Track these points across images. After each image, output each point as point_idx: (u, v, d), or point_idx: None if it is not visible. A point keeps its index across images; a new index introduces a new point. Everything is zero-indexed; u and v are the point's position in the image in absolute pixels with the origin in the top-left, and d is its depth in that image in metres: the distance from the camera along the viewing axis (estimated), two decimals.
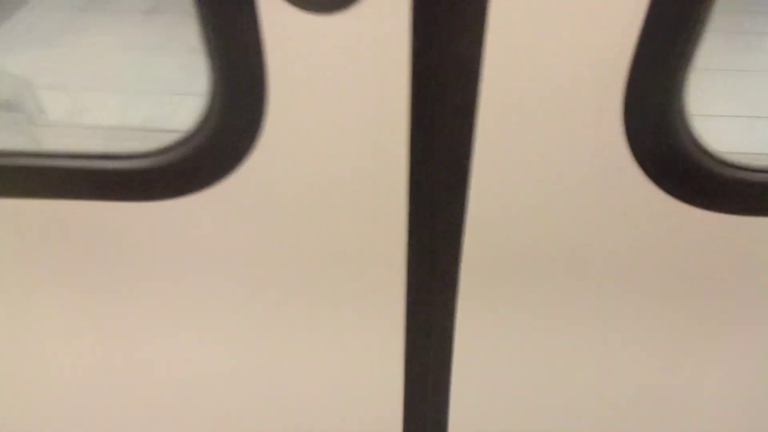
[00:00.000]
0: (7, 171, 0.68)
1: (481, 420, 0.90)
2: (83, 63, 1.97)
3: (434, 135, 0.63)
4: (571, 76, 0.59)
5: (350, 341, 0.82)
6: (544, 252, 0.73)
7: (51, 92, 1.75)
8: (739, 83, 1.76)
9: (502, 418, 0.90)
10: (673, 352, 0.82)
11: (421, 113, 0.62)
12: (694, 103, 0.62)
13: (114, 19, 2.19)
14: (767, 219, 0.69)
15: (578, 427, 0.91)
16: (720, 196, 0.67)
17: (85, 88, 1.81)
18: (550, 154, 0.65)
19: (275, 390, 0.89)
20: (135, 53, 2.01)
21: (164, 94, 1.79)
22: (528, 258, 0.73)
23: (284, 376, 0.87)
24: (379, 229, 0.71)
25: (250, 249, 0.74)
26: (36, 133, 1.61)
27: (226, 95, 0.62)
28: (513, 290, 0.76)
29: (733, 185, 0.66)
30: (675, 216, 0.68)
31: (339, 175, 0.67)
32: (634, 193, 0.66)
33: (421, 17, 0.56)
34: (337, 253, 0.74)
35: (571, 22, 0.56)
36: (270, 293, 0.78)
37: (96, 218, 0.72)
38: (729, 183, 0.66)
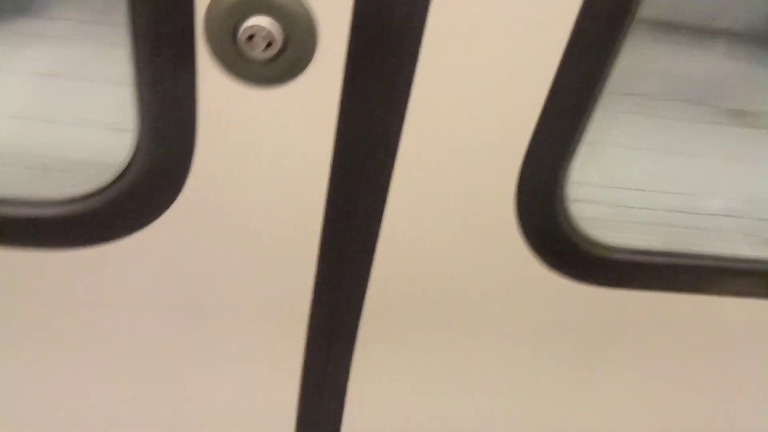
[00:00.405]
0: None
1: None
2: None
3: (349, 204, 0.69)
4: (475, 159, 0.67)
5: (246, 388, 0.86)
6: (439, 314, 0.79)
7: None
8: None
9: None
10: (553, 399, 0.91)
11: (339, 182, 0.67)
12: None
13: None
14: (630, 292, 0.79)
15: None
16: (590, 271, 0.77)
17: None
18: (450, 228, 0.72)
19: None
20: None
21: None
22: (425, 318, 0.79)
23: (186, 416, 0.89)
24: (287, 286, 0.75)
25: (161, 300, 0.76)
26: None
27: (152, 153, 0.65)
28: (408, 348, 0.82)
29: (600, 262, 0.76)
30: (550, 285, 0.77)
31: (254, 235, 0.71)
32: (520, 266, 0.75)
33: (350, 97, 0.62)
34: (245, 304, 0.77)
35: (481, 116, 0.64)
36: (176, 341, 0.80)
37: (11, 267, 0.73)
38: (597, 260, 0.75)
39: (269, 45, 0.58)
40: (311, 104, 0.63)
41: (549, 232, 0.72)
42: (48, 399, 0.86)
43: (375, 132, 0.64)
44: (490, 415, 0.92)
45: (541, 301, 0.78)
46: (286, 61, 0.59)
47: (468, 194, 0.69)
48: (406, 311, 0.79)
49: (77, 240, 0.70)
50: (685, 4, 2.42)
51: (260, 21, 0.57)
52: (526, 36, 0.59)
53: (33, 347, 0.81)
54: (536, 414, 0.92)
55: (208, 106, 0.62)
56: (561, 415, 0.93)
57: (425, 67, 0.60)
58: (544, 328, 0.81)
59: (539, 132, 0.64)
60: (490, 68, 0.61)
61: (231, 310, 0.78)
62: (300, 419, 0.88)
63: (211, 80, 0.60)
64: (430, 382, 0.87)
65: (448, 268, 0.75)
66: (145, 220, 0.69)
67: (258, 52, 0.58)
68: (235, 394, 0.87)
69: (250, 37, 0.57)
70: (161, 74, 0.60)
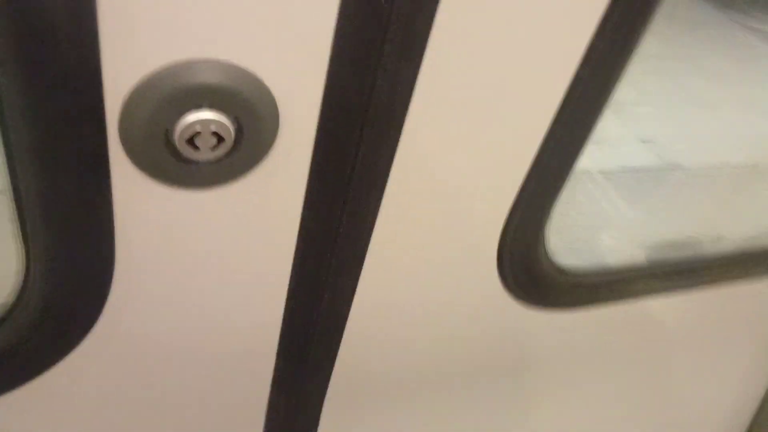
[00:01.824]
0: None
1: None
2: None
3: (315, 303, 0.57)
4: (456, 228, 0.59)
5: None
6: (411, 378, 0.72)
7: None
8: None
9: None
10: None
11: (303, 279, 0.55)
12: None
13: None
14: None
15: None
16: (565, 298, 0.74)
17: None
18: (432, 296, 0.64)
19: None
20: None
21: None
22: (395, 382, 0.72)
23: None
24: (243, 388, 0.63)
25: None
26: None
27: (51, 289, 0.47)
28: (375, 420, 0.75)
29: (574, 288, 0.74)
30: (524, 317, 0.73)
31: (211, 334, 0.57)
32: (501, 311, 0.69)
33: (319, 182, 0.49)
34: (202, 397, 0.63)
35: (462, 190, 0.56)
36: None
37: None
38: (570, 287, 0.73)
39: (219, 142, 0.43)
40: (270, 198, 0.49)
41: (529, 276, 0.67)
42: None
43: (347, 220, 0.53)
44: None
45: (517, 334, 0.74)
46: (241, 156, 0.45)
47: (449, 266, 0.61)
48: (374, 382, 0.70)
49: None
50: None
51: (201, 115, 0.41)
52: (513, 115, 0.52)
53: None
54: None
55: (127, 222, 0.46)
56: None
57: (407, 143, 0.50)
58: (524, 360, 0.78)
59: (524, 192, 0.58)
60: (472, 149, 0.53)
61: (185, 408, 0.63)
62: None
63: (132, 192, 0.44)
64: None
65: (420, 331, 0.68)
66: (47, 362, 0.52)
67: (203, 153, 0.43)
68: None
69: (191, 138, 0.42)
70: (60, 196, 0.42)
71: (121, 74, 0.39)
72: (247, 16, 0.39)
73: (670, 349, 0.96)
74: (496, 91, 0.49)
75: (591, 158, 1.44)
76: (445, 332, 0.69)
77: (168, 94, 0.40)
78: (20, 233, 0.45)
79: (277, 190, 0.48)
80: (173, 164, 0.43)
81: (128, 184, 0.44)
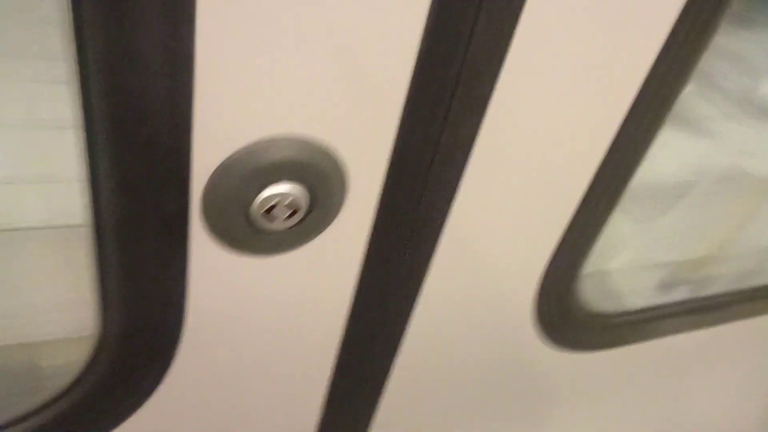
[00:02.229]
0: None
1: None
2: None
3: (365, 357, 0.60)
4: (496, 275, 0.61)
5: None
6: (452, 416, 0.74)
7: None
8: None
9: None
10: None
11: (355, 330, 0.58)
12: None
13: None
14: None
15: None
16: (597, 341, 0.77)
17: None
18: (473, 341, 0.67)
19: None
20: None
21: None
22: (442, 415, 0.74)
23: None
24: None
25: None
26: None
27: (127, 348, 0.49)
28: None
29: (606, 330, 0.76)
30: (560, 361, 0.76)
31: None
32: (537, 357, 0.72)
33: (380, 241, 0.52)
34: None
35: (500, 239, 0.58)
36: None
37: None
38: (602, 329, 0.76)
39: (293, 213, 0.45)
40: (333, 260, 0.51)
41: (564, 322, 0.70)
42: None
43: (400, 273, 0.55)
44: None
45: (548, 374, 0.77)
46: (311, 223, 0.47)
47: (490, 315, 0.64)
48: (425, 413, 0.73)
49: None
50: None
51: (280, 188, 0.44)
52: (555, 174, 0.55)
53: None
54: None
55: (200, 287, 0.48)
56: None
57: (461, 201, 0.52)
58: (552, 396, 0.81)
59: (564, 242, 0.60)
60: (519, 205, 0.56)
61: None
62: None
63: (207, 259, 0.47)
64: None
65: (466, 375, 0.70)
66: (113, 421, 0.54)
67: (278, 222, 0.45)
68: None
69: (269, 209, 0.45)
70: (140, 260, 0.45)
71: (208, 153, 0.41)
72: (322, 93, 0.41)
73: (691, 379, 0.99)
74: (541, 154, 0.53)
75: None
76: (484, 374, 0.71)
77: (251, 171, 0.42)
78: (99, 293, 0.48)
79: (339, 252, 0.51)
80: (248, 234, 0.46)
81: (204, 251, 0.46)
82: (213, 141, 0.41)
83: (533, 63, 0.46)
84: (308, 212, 0.46)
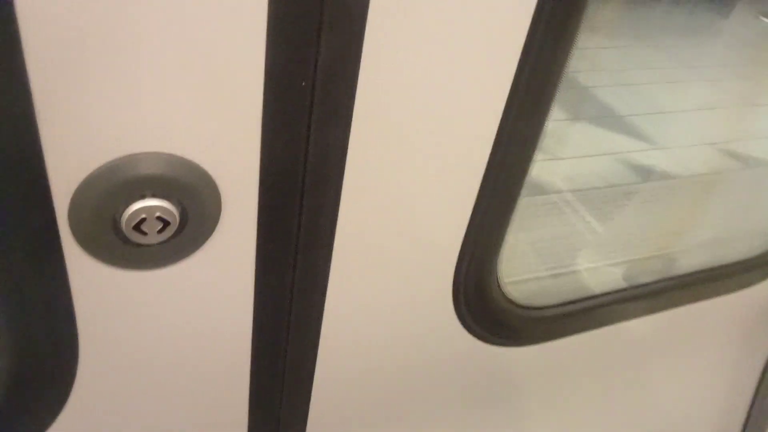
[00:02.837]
0: None
1: None
2: None
3: (278, 360, 0.60)
4: (406, 268, 0.62)
5: None
6: (386, 415, 0.74)
7: None
8: None
9: None
10: None
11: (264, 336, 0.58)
12: None
13: None
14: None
15: None
16: (524, 334, 0.77)
17: None
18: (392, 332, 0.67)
19: None
20: None
21: None
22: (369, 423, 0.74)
23: None
24: None
25: None
26: None
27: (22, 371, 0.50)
28: None
29: (532, 323, 0.76)
30: (484, 354, 0.76)
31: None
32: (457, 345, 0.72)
33: (267, 249, 0.52)
34: None
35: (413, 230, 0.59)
36: None
37: None
38: (529, 322, 0.75)
39: (164, 226, 0.46)
40: (222, 271, 0.52)
41: (485, 314, 0.70)
42: None
43: (299, 281, 0.56)
44: None
45: (484, 370, 0.77)
46: (188, 236, 0.48)
47: (407, 307, 0.64)
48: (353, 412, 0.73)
49: None
50: None
51: (147, 203, 0.45)
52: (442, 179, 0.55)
53: None
54: None
55: (86, 303, 0.49)
56: None
57: (348, 198, 0.53)
58: (496, 392, 0.81)
59: (470, 233, 0.61)
60: (413, 193, 0.56)
61: None
62: None
63: (87, 276, 0.47)
64: None
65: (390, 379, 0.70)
66: None
67: (150, 237, 0.46)
68: None
69: (138, 224, 0.45)
70: (17, 284, 0.46)
71: (65, 173, 0.42)
72: (180, 110, 0.42)
73: (648, 364, 0.98)
74: (424, 144, 0.53)
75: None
76: (410, 369, 0.71)
77: (111, 188, 0.43)
78: None
79: (227, 263, 0.51)
80: (123, 248, 0.46)
81: (82, 269, 0.47)
82: (67, 163, 0.42)
83: (391, 63, 0.46)
84: (182, 225, 0.47)
